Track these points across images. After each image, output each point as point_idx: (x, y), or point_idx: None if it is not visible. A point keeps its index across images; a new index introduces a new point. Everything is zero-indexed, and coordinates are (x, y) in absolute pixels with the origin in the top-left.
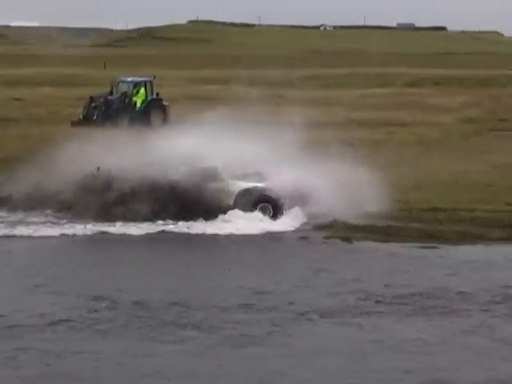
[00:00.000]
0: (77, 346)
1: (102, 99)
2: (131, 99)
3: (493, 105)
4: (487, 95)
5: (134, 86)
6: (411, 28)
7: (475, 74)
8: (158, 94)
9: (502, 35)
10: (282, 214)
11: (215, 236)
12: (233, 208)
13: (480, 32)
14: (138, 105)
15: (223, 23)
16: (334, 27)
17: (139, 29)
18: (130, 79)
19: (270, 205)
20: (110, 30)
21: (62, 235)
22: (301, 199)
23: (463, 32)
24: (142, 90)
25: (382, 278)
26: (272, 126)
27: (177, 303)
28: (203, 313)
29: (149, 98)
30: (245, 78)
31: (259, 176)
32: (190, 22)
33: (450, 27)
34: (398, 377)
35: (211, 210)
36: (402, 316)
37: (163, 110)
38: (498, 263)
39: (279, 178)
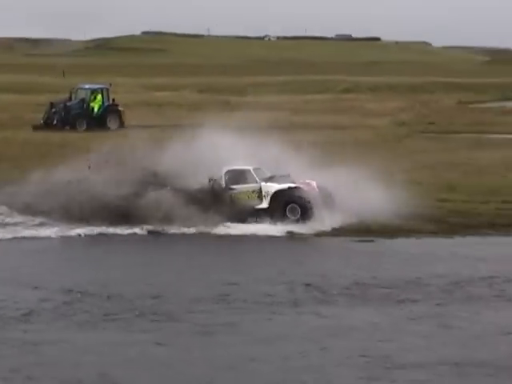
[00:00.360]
0: (54, 336)
1: (61, 105)
2: (89, 105)
3: (422, 109)
4: (417, 100)
5: (92, 93)
6: (348, 39)
7: (407, 81)
8: (113, 100)
9: (430, 45)
10: (310, 215)
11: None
12: (266, 209)
13: (411, 42)
14: (96, 110)
15: (174, 34)
16: (278, 38)
17: (96, 39)
18: (87, 86)
19: (299, 206)
20: (69, 41)
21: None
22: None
23: (396, 42)
24: (99, 97)
25: (332, 270)
26: (224, 130)
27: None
28: (176, 304)
29: (105, 104)
30: (195, 85)
31: (288, 178)
32: (144, 33)
33: (384, 38)
34: (352, 360)
35: (244, 212)
36: (356, 304)
37: (119, 114)
38: (434, 255)
39: (306, 181)
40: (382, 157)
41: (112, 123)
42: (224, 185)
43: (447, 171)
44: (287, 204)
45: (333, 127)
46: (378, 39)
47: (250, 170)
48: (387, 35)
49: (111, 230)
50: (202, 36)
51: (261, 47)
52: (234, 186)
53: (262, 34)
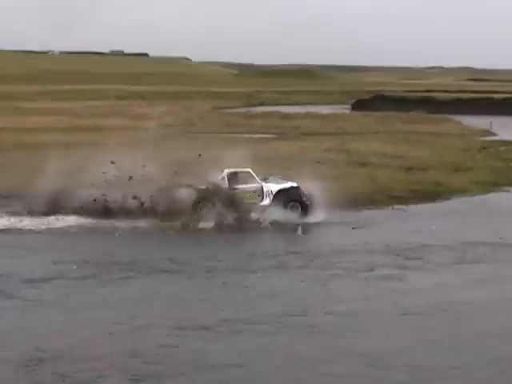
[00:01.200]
0: None
1: None
2: None
3: (185, 113)
4: (181, 106)
5: None
6: (121, 54)
7: (171, 89)
8: None
9: (190, 60)
10: (308, 211)
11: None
12: (269, 206)
13: (174, 58)
14: None
15: None
16: (60, 52)
17: None
18: None
19: (299, 203)
20: None
21: None
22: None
23: (161, 57)
24: None
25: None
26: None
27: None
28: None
29: None
30: None
31: (278, 180)
32: None
33: (152, 53)
34: (160, 321)
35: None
36: (154, 277)
37: None
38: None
39: (296, 182)
40: (151, 154)
41: None
42: (227, 185)
43: (207, 165)
44: (289, 202)
45: (109, 129)
46: (146, 54)
47: (250, 172)
48: (154, 51)
49: None
50: None
51: (46, 60)
52: (236, 186)
53: (46, 49)
